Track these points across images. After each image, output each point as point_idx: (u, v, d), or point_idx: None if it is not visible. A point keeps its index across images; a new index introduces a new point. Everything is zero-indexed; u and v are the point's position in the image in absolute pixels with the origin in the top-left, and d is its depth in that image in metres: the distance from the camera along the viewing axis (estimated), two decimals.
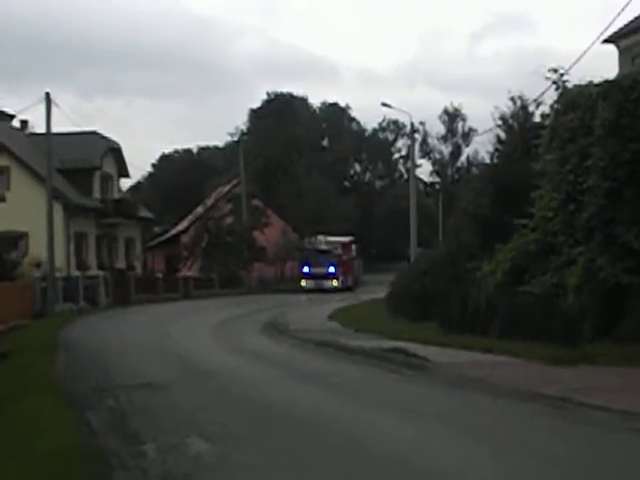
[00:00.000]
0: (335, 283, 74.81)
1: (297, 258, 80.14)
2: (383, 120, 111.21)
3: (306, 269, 75.58)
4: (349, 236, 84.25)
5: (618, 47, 27.62)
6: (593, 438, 13.49)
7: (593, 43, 28.08)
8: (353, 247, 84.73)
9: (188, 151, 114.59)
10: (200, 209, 76.94)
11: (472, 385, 18.86)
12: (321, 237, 78.99)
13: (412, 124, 64.18)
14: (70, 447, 12.87)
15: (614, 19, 25.78)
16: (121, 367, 23.87)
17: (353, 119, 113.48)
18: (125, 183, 72.22)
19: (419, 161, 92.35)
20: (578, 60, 29.15)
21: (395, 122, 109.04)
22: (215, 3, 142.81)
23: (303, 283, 74.83)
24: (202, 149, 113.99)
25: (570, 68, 26.88)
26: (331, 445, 12.97)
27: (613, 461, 11.96)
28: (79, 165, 56.15)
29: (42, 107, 46.33)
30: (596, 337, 22.20)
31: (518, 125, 34.60)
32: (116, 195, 64.32)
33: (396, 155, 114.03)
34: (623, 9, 23.83)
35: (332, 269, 74.95)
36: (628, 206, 22.16)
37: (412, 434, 13.89)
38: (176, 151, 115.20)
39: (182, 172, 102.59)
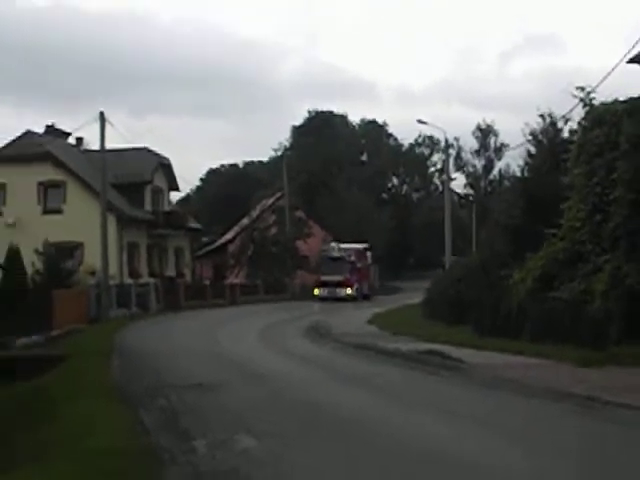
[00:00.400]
0: (349, 291, 67.67)
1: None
2: (419, 136, 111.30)
3: (322, 278, 68.55)
4: (365, 243, 77.29)
5: None
6: (619, 436, 13.41)
7: (618, 63, 27.89)
8: (368, 254, 76.74)
9: (234, 166, 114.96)
10: (246, 220, 77.06)
11: (505, 386, 18.86)
12: (334, 244, 72.62)
13: (446, 139, 63.82)
14: (124, 445, 12.89)
15: (638, 41, 25.48)
16: (172, 369, 23.92)
17: (390, 135, 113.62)
18: (175, 196, 72.31)
19: (453, 174, 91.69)
20: (604, 79, 28.93)
21: (430, 137, 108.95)
22: (258, 25, 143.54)
23: (316, 292, 67.78)
24: (247, 164, 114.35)
25: (597, 87, 26.84)
26: (376, 445, 12.89)
27: (635, 456, 11.85)
28: (131, 179, 56.20)
29: (96, 125, 46.43)
30: (622, 340, 22.14)
31: (547, 140, 34.44)
32: (166, 207, 64.37)
33: (431, 169, 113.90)
34: None
35: (345, 277, 68.00)
36: None
37: (449, 433, 13.80)
38: (223, 166, 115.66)
39: (228, 185, 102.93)
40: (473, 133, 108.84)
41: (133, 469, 11.19)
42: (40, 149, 53.14)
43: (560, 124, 33.74)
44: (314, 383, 20.50)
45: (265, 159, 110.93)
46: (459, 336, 28.62)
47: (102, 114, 46.33)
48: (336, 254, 69.40)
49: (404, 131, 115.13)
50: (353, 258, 69.66)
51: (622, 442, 12.91)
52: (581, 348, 21.99)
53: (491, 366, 21.52)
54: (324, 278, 67.52)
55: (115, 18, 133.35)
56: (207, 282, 70.33)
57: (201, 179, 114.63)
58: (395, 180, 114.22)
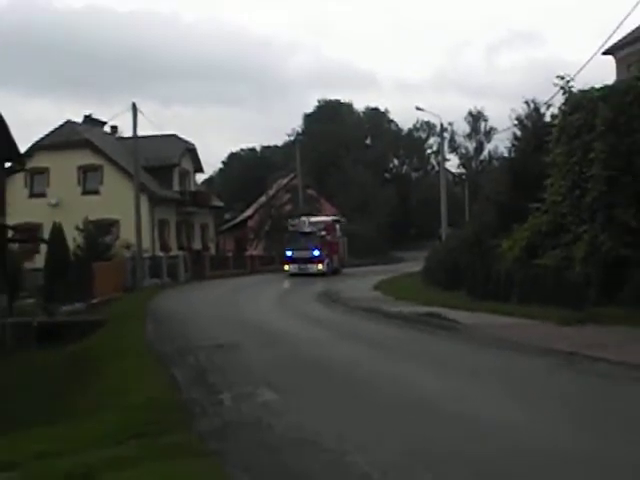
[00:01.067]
0: (321, 267, 55.61)
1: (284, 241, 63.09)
2: (417, 121, 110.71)
3: (289, 253, 56.71)
4: (335, 215, 69.68)
5: (615, 57, 27.39)
6: (599, 386, 13.58)
7: (594, 54, 27.96)
8: (337, 227, 64.93)
9: (252, 150, 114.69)
10: (263, 198, 76.78)
11: (497, 343, 18.92)
12: (304, 218, 61.16)
13: (441, 124, 63.87)
14: (159, 399, 13.09)
15: (612, 34, 25.57)
16: (200, 331, 23.99)
17: (391, 121, 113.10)
18: (200, 177, 72.50)
19: (448, 156, 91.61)
20: (582, 69, 29.12)
21: (427, 123, 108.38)
22: (271, 23, 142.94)
23: (286, 267, 56.26)
24: (264, 148, 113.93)
25: (575, 76, 26.73)
26: (385, 393, 13.06)
27: (613, 403, 12.04)
28: (161, 163, 56.36)
29: (129, 115, 46.68)
30: (600, 301, 22.15)
31: (531, 124, 34.28)
32: (192, 188, 64.51)
33: (428, 151, 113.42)
34: (619, 26, 23.68)
35: (317, 252, 55.88)
36: (625, 191, 22.02)
37: (442, 384, 13.96)
38: (242, 150, 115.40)
39: (248, 167, 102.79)
40: (465, 118, 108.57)
41: (169, 420, 11.37)
42: (79, 137, 53.34)
43: (543, 110, 33.62)
44: (327, 342, 20.51)
45: (280, 143, 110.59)
46: (454, 300, 28.59)
47: (134, 105, 46.49)
48: (307, 229, 58.27)
49: (403, 117, 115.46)
50: (324, 232, 58.92)
51: (601, 392, 13.12)
52: (563, 309, 22.04)
53: (483, 326, 21.60)
54: (296, 254, 56.13)
55: (143, 18, 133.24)
56: (229, 254, 70.47)
57: (223, 162, 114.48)
58: (396, 161, 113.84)
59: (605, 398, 12.66)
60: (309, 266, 55.16)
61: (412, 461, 8.76)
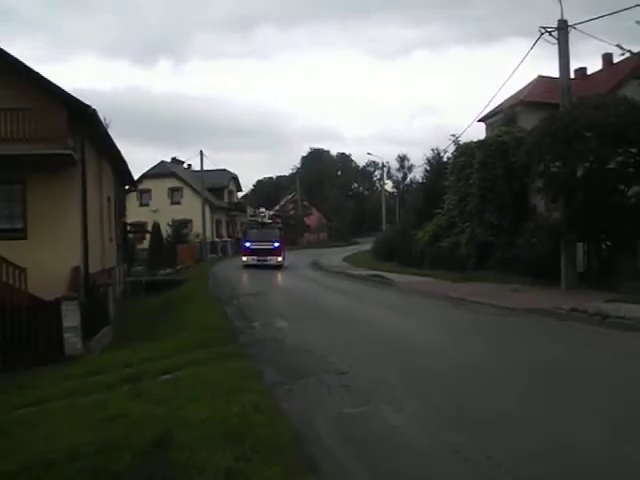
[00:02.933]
0: (280, 259, 33.07)
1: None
2: (368, 161, 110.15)
3: (247, 244, 33.39)
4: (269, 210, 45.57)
5: (486, 123, 27.32)
6: (474, 316, 13.64)
7: (473, 121, 27.99)
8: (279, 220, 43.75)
9: (270, 177, 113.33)
10: (277, 207, 76.72)
11: (415, 292, 18.99)
12: (263, 209, 40.57)
13: (382, 163, 66.12)
14: (218, 324, 13.11)
15: (483, 109, 25.50)
16: (239, 285, 23.97)
17: (352, 161, 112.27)
18: (239, 194, 71.98)
19: (386, 181, 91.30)
20: (465, 130, 29.76)
21: (373, 162, 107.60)
22: (278, 98, 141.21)
23: (244, 259, 33.00)
24: (278, 177, 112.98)
25: (462, 134, 27.10)
26: (352, 322, 13.14)
27: (482, 327, 12.15)
28: (216, 186, 55.98)
29: (198, 157, 47.10)
30: (476, 268, 22.19)
31: (435, 163, 34.20)
32: (235, 200, 64.39)
33: (374, 179, 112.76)
34: (487, 104, 23.64)
35: (277, 244, 33.22)
36: (491, 203, 21.96)
37: (383, 314, 14.02)
38: (264, 178, 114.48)
39: (267, 188, 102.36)
40: (396, 159, 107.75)
41: (225, 336, 11.41)
42: (169, 170, 53.12)
43: (442, 154, 33.70)
44: (315, 292, 20.46)
45: (287, 174, 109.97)
46: (390, 267, 28.58)
47: (201, 152, 46.48)
48: (267, 220, 36.28)
49: (360, 158, 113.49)
50: (280, 224, 39.22)
51: (475, 320, 13.19)
52: (454, 273, 22.10)
53: (407, 282, 21.66)
54: (254, 246, 32.68)
55: (206, 100, 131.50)
56: None
57: (253, 185, 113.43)
58: (355, 185, 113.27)
59: (477, 323, 12.80)
60: (268, 258, 32.56)
61: (365, 359, 8.81)
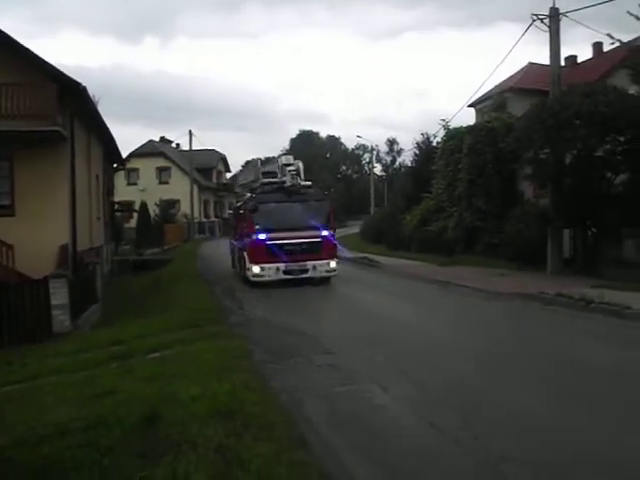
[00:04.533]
0: (332, 264, 16.75)
1: None
2: (357, 144, 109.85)
3: (262, 236, 16.02)
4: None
5: (475, 108, 27.27)
6: (460, 299, 13.72)
7: (463, 106, 28.03)
8: None
9: (259, 158, 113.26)
10: None
11: (403, 275, 19.02)
12: (291, 157, 21.34)
13: (371, 146, 64.96)
14: (208, 305, 13.13)
15: (473, 94, 25.54)
16: (227, 266, 23.86)
17: (342, 144, 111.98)
18: (228, 175, 71.53)
19: (376, 165, 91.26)
20: (455, 115, 29.65)
21: (363, 145, 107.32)
22: (266, 79, 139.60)
23: (255, 270, 16.08)
24: (267, 158, 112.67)
25: (452, 119, 27.26)
26: (342, 303, 13.15)
27: (469, 310, 12.18)
28: (205, 166, 55.72)
29: (187, 137, 46.73)
30: (463, 252, 22.27)
31: (425, 147, 34.14)
32: (224, 181, 63.88)
33: (363, 162, 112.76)
34: (478, 89, 23.70)
35: (325, 233, 16.88)
36: (479, 188, 21.98)
37: (371, 297, 14.07)
38: (252, 159, 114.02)
39: None
40: (385, 143, 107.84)
41: (214, 316, 11.45)
42: (157, 149, 52.54)
43: (431, 138, 33.65)
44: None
45: (275, 155, 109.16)
46: (378, 250, 28.60)
47: (190, 131, 46.57)
48: (302, 181, 18.74)
49: (349, 141, 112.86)
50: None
51: (462, 303, 13.28)
52: (442, 257, 22.14)
53: (395, 265, 21.72)
54: (279, 240, 16.11)
55: (194, 79, 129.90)
56: None
57: (242, 165, 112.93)
58: (344, 167, 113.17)
59: (464, 306, 12.87)
60: (311, 265, 17.57)
61: (354, 339, 8.89)
